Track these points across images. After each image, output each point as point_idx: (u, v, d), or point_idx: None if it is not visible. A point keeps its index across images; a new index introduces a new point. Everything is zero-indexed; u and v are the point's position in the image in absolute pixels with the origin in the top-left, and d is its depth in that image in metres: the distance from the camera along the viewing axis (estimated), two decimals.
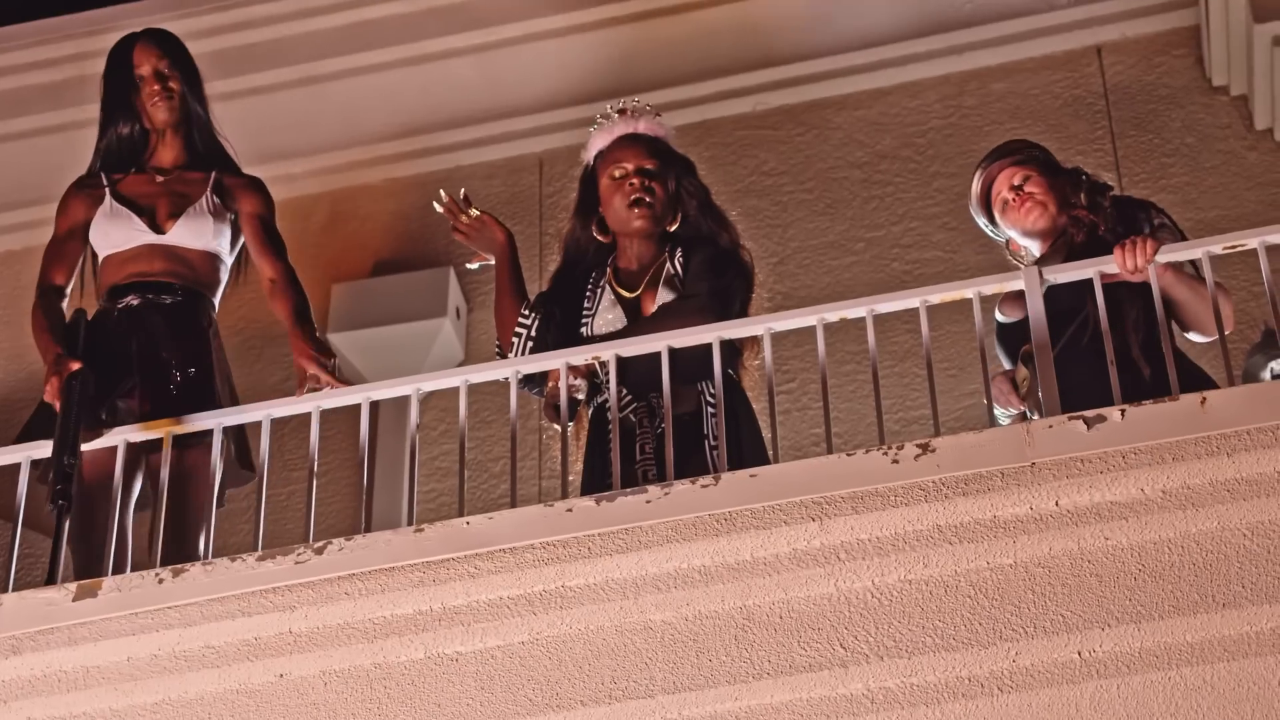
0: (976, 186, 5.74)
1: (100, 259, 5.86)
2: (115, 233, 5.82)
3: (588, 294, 5.65)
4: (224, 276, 5.90)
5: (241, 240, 5.92)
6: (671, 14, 7.48)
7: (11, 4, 7.87)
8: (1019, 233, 5.68)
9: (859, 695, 4.54)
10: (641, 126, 5.79)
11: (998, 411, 5.51)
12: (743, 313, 5.55)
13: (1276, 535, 4.52)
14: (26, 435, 5.48)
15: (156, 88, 5.94)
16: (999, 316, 5.56)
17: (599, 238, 5.72)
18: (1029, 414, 5.34)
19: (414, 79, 7.57)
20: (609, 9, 7.47)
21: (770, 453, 5.06)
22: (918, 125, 7.42)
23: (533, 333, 5.57)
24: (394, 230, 7.52)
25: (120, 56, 6.02)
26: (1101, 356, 4.97)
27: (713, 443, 5.30)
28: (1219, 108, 7.21)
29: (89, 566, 5.27)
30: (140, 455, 5.50)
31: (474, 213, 5.75)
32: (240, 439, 5.64)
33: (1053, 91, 7.37)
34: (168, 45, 6.03)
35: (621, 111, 5.84)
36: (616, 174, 5.70)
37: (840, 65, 7.47)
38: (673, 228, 5.70)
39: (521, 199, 7.50)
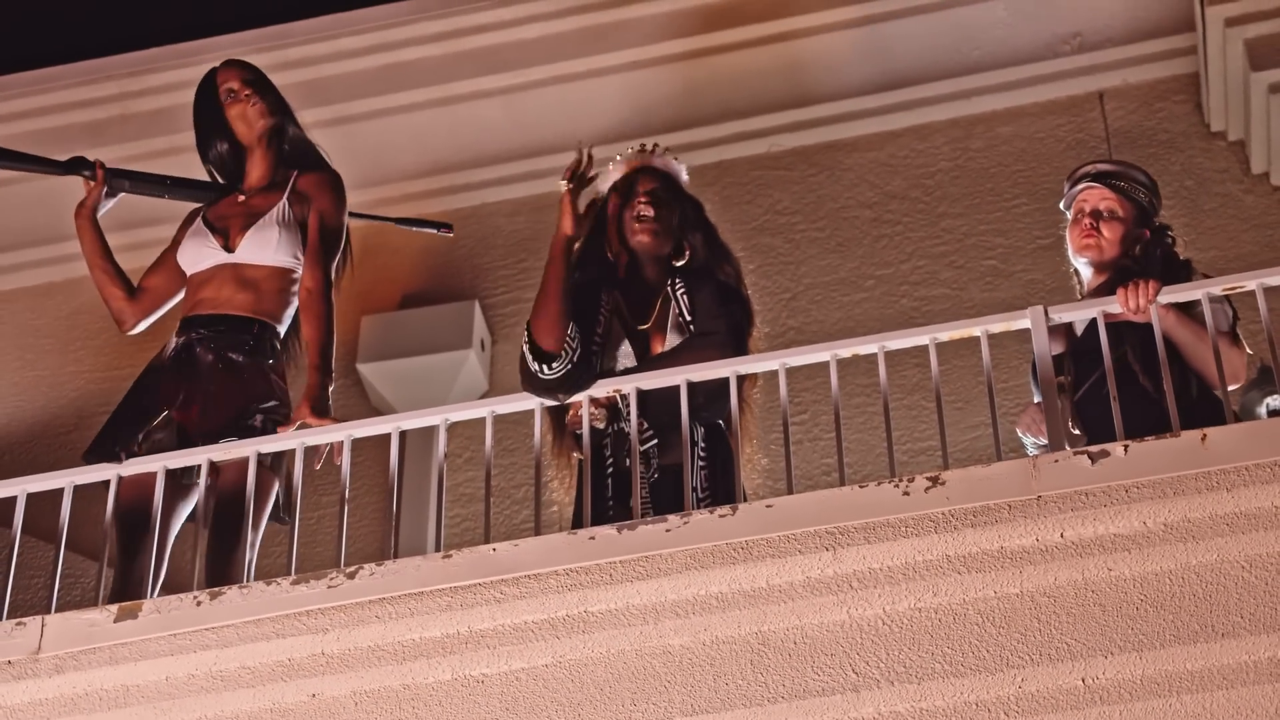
0: (1076, 187, 5.61)
1: (188, 277, 5.83)
2: (192, 249, 5.79)
3: (600, 318, 5.64)
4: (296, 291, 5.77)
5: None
6: (690, 59, 7.50)
7: (56, 45, 7.91)
8: (1071, 249, 5.63)
9: (870, 719, 4.54)
10: (656, 163, 5.80)
11: (1026, 440, 5.48)
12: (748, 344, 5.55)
13: (1274, 568, 4.52)
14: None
15: (247, 93, 5.89)
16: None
17: (609, 256, 5.72)
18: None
19: (442, 119, 7.59)
20: (631, 54, 7.49)
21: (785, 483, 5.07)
22: (926, 167, 7.43)
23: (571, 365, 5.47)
24: (422, 265, 7.54)
25: (205, 86, 5.99)
26: (1132, 393, 4.97)
27: (700, 495, 5.28)
28: (1217, 152, 7.22)
29: (129, 589, 5.27)
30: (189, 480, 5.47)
31: (562, 185, 5.60)
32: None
33: (1057, 135, 7.38)
34: (247, 66, 6.00)
35: (641, 150, 5.85)
36: (625, 194, 5.71)
37: (852, 109, 7.49)
38: (679, 263, 5.69)
39: (545, 236, 7.44)
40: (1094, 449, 4.67)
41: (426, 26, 7.60)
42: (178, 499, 5.44)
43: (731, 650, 4.65)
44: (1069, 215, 5.66)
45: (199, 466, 5.29)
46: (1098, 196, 5.57)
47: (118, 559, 5.32)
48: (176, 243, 5.88)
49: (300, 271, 5.73)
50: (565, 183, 5.48)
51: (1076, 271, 5.67)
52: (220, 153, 5.92)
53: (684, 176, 5.84)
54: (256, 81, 5.95)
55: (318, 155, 5.96)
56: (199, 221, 5.84)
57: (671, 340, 5.53)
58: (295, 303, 5.74)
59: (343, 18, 7.65)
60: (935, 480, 4.68)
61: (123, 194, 5.95)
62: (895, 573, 4.63)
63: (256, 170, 5.90)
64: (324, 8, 7.73)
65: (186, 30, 7.83)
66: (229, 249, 5.74)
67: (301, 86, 7.57)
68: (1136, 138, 7.25)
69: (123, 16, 7.99)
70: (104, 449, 5.45)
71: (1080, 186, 5.62)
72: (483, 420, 5.23)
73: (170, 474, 5.30)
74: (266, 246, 5.72)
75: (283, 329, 5.74)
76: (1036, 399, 5.49)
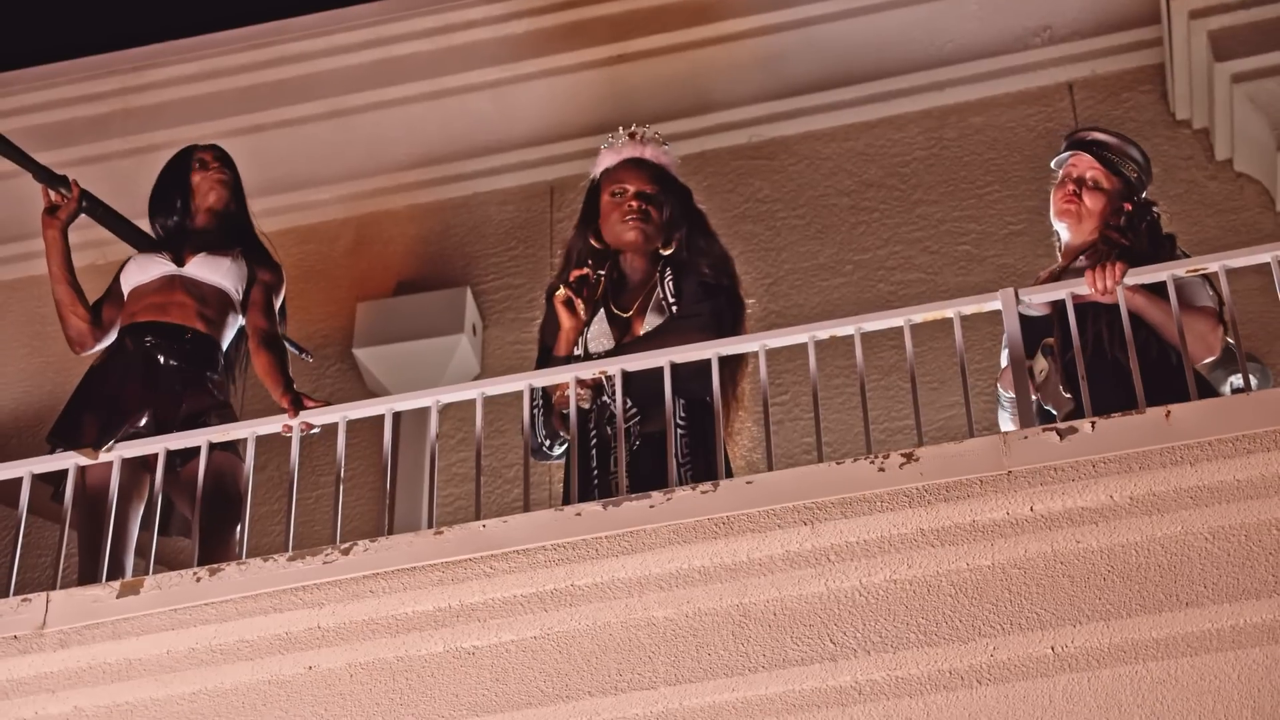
0: (1068, 151, 5.56)
1: (126, 295, 5.87)
2: (141, 266, 5.88)
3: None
4: (233, 322, 5.87)
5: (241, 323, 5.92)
6: (673, 52, 7.49)
7: (58, 41, 7.90)
8: (1052, 210, 5.57)
9: (847, 687, 4.54)
10: (648, 153, 5.77)
11: (1003, 395, 5.43)
12: (735, 331, 5.53)
13: (1236, 539, 4.53)
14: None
15: (215, 166, 6.01)
16: (1025, 310, 5.49)
17: (594, 244, 5.70)
18: (1042, 404, 5.27)
19: (434, 112, 7.58)
20: (616, 47, 7.48)
21: (765, 461, 5.06)
22: (902, 156, 7.42)
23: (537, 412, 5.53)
24: (415, 252, 7.53)
25: (180, 158, 6.09)
26: (1110, 365, 4.97)
27: (681, 461, 5.27)
28: (1182, 140, 7.21)
29: (95, 572, 5.27)
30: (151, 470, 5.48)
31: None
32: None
33: (1028, 125, 7.37)
34: (224, 154, 6.11)
35: (631, 135, 5.82)
36: (616, 192, 5.69)
37: (830, 100, 7.48)
38: (667, 251, 5.68)
39: (533, 224, 7.51)
40: (1062, 425, 4.68)
41: (418, 22, 7.58)
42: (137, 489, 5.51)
43: (713, 622, 4.65)
44: (1058, 175, 5.63)
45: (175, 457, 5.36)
46: (1086, 164, 5.54)
47: (89, 543, 5.34)
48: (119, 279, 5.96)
49: (237, 306, 5.86)
50: (564, 288, 5.49)
51: (1056, 234, 5.65)
52: (167, 224, 6.01)
53: (675, 163, 5.81)
54: (225, 164, 6.07)
55: (264, 249, 6.03)
56: (146, 249, 5.92)
57: (651, 321, 5.52)
58: (236, 324, 5.87)
59: (337, 14, 7.65)
60: (909, 456, 4.68)
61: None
62: (871, 546, 4.63)
63: (203, 219, 5.98)
64: (319, 4, 7.73)
65: (187, 26, 7.82)
66: (179, 264, 5.82)
67: (298, 81, 7.58)
68: (1104, 126, 7.24)
69: (124, 12, 7.98)
70: (69, 436, 5.48)
71: (1072, 152, 5.58)
72: (473, 402, 5.22)
73: (134, 465, 5.36)
74: (216, 270, 5.83)
75: (224, 343, 5.85)
76: (1005, 365, 5.48)
